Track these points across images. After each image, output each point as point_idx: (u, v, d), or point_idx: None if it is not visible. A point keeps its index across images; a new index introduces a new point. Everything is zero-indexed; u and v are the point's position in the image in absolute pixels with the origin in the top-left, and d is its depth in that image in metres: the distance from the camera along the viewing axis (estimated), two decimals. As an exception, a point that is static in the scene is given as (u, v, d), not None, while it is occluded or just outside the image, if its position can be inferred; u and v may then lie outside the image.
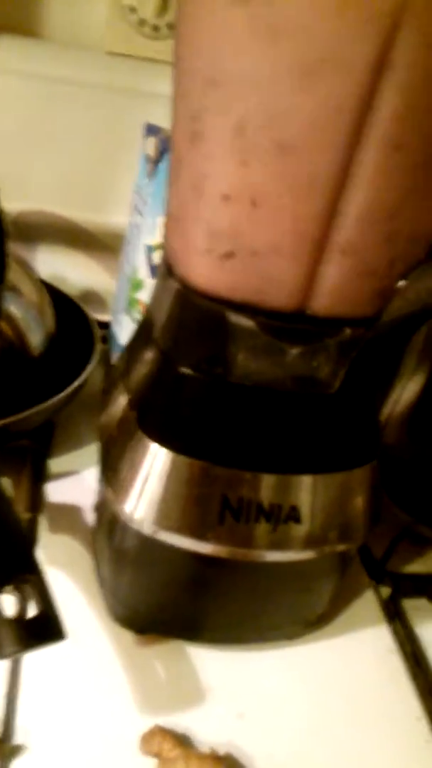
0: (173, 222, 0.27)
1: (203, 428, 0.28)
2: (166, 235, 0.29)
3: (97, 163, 0.54)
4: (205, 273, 0.26)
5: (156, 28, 0.50)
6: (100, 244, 0.57)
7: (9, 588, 0.26)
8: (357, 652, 0.37)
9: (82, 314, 0.51)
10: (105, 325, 0.52)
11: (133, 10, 0.49)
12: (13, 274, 0.45)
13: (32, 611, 0.25)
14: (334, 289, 0.26)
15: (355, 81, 0.21)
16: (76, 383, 0.43)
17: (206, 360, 0.27)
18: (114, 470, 0.30)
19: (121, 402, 0.31)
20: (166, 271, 0.29)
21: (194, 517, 0.28)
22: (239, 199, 0.23)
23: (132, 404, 0.30)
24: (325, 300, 0.26)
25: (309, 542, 0.30)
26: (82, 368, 0.45)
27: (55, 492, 0.43)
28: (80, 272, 0.58)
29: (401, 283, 0.26)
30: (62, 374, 0.45)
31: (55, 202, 0.54)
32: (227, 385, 0.27)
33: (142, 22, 0.50)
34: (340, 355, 0.27)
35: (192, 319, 0.27)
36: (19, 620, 0.24)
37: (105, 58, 0.51)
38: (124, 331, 0.48)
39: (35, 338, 0.45)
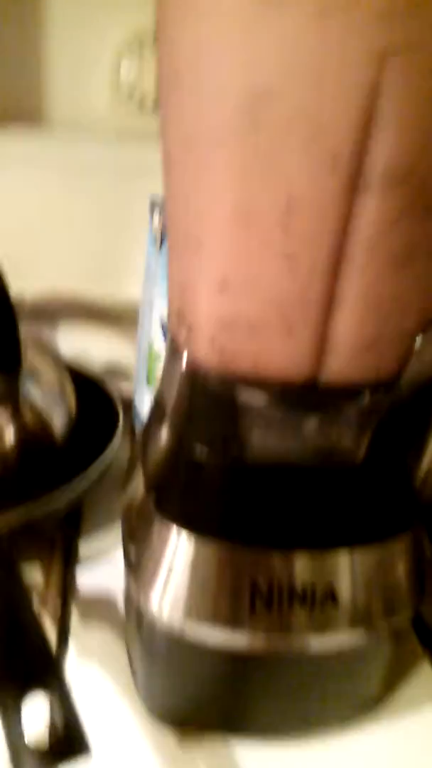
0: (173, 306, 0.27)
1: (224, 510, 0.27)
2: (169, 317, 0.28)
3: (110, 239, 0.55)
4: (209, 353, 0.25)
5: (157, 103, 0.51)
6: (120, 317, 0.57)
7: (29, 697, 0.24)
8: (418, 736, 0.34)
9: (103, 391, 0.51)
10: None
11: (133, 87, 0.51)
12: (32, 359, 0.45)
13: (55, 721, 0.24)
14: (345, 355, 0.24)
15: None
16: (99, 466, 0.42)
17: (220, 440, 0.26)
18: (136, 560, 0.29)
19: (139, 484, 0.30)
20: (171, 351, 0.28)
21: (224, 608, 0.27)
22: (236, 285, 0.23)
23: (149, 487, 0.29)
24: (337, 367, 0.24)
25: (351, 623, 0.28)
26: (107, 448, 0.45)
27: (87, 575, 0.41)
28: (103, 347, 0.58)
29: (418, 342, 0.25)
30: (87, 457, 0.44)
31: (72, 281, 0.55)
32: (245, 464, 0.26)
33: (143, 99, 0.52)
34: (361, 423, 0.26)
35: (202, 399, 0.26)
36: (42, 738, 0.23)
37: (110, 137, 0.52)
38: (146, 404, 0.48)
39: (58, 424, 0.45)
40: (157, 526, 0.28)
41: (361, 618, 0.27)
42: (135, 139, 0.55)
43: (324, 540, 0.27)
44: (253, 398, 0.25)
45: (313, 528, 0.27)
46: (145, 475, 0.30)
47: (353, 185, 0.21)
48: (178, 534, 0.27)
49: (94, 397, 0.50)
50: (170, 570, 0.27)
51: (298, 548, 0.27)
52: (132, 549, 0.30)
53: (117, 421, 0.48)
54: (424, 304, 0.24)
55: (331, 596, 0.27)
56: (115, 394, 0.50)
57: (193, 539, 0.27)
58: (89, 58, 0.55)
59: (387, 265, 0.22)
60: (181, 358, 0.27)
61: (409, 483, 0.30)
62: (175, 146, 0.24)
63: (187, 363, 0.26)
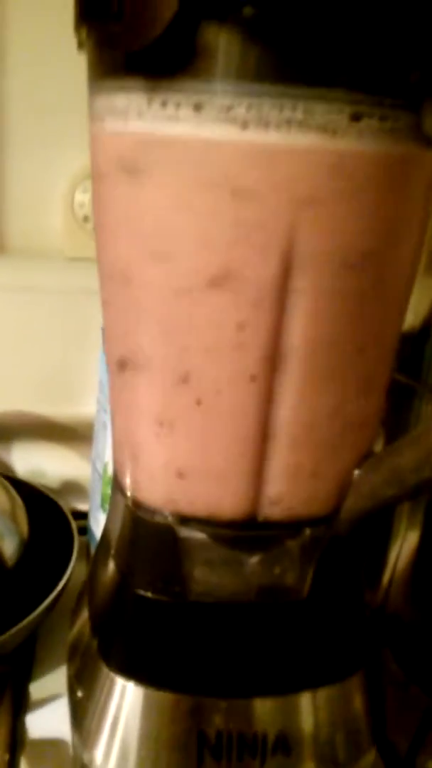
0: (115, 440, 0.27)
1: (169, 655, 0.26)
2: (113, 449, 0.28)
3: (66, 359, 0.56)
4: (149, 490, 0.25)
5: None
6: (77, 434, 0.57)
7: None
8: None
9: (59, 510, 0.50)
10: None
11: (86, 219, 0.53)
12: (-18, 483, 0.44)
13: None
14: (283, 492, 0.24)
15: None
16: (53, 594, 0.41)
17: (162, 579, 0.25)
18: (81, 710, 0.27)
19: (85, 623, 0.29)
20: (114, 487, 0.28)
21: (172, 763, 0.25)
22: (171, 425, 0.23)
23: (94, 627, 0.28)
24: (276, 504, 0.25)
25: (308, 770, 0.26)
26: (62, 572, 0.43)
27: (38, 723, 0.39)
28: (59, 464, 0.57)
29: (356, 474, 0.25)
30: (41, 581, 0.42)
31: (28, 400, 0.55)
32: (187, 604, 0.25)
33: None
34: (304, 557, 0.25)
35: (143, 536, 0.26)
36: None
37: (63, 263, 0.54)
38: (101, 527, 0.47)
39: (8, 548, 0.43)
40: (102, 674, 0.27)
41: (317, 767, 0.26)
42: (89, 264, 0.57)
43: (274, 684, 0.26)
44: (192, 536, 0.25)
45: (262, 671, 0.26)
46: (91, 613, 0.29)
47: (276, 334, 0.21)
48: (124, 685, 0.26)
49: (49, 517, 0.49)
50: (115, 723, 0.26)
51: (246, 695, 0.25)
52: (76, 697, 0.28)
53: (72, 543, 0.46)
54: (358, 443, 0.25)
55: (284, 745, 0.25)
56: (69, 515, 0.49)
57: (138, 690, 0.26)
58: (44, 189, 0.57)
59: (315, 412, 0.23)
60: (123, 495, 0.27)
61: (359, 618, 0.29)
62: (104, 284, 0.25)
63: (129, 500, 0.26)
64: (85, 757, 0.26)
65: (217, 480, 0.24)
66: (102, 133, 0.22)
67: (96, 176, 0.23)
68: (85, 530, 0.50)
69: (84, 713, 0.27)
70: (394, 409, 0.42)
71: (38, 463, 0.57)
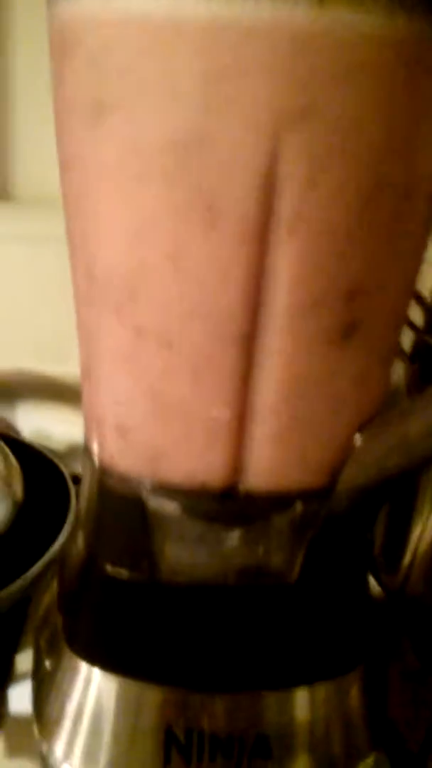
0: (84, 389, 0.24)
1: (137, 640, 0.23)
2: (83, 403, 0.25)
3: (73, 315, 0.52)
4: (115, 452, 0.22)
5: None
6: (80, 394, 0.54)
7: None
8: None
9: (59, 473, 0.47)
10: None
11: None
12: (-26, 443, 0.42)
13: None
14: (269, 458, 0.21)
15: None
16: (43, 559, 0.38)
17: (130, 555, 0.22)
18: (41, 697, 0.24)
19: (52, 601, 0.26)
20: (85, 453, 0.24)
21: (136, 760, 0.22)
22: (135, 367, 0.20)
23: (60, 606, 0.25)
24: (260, 472, 0.21)
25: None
26: (57, 535, 0.41)
27: (21, 697, 0.36)
28: (65, 426, 0.54)
29: (357, 439, 0.21)
30: (33, 546, 0.40)
31: (31, 359, 0.52)
32: (158, 584, 0.22)
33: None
34: (293, 536, 0.22)
35: (110, 506, 0.23)
36: None
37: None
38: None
39: (1, 512, 0.41)
40: (65, 657, 0.24)
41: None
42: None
43: (254, 679, 0.22)
44: (164, 507, 0.21)
45: (241, 663, 0.22)
46: (59, 588, 0.26)
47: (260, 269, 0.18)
48: (88, 670, 0.23)
49: (48, 480, 0.47)
50: (79, 713, 0.23)
51: (222, 689, 0.22)
52: (40, 673, 0.25)
53: (69, 505, 0.44)
54: (361, 402, 0.21)
55: (264, 749, 0.22)
56: (69, 479, 0.46)
57: (104, 677, 0.23)
58: (51, 135, 0.53)
59: (308, 351, 0.19)
60: (90, 458, 0.23)
61: (360, 608, 0.25)
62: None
63: (96, 464, 0.23)
64: (44, 748, 0.24)
65: (191, 441, 0.20)
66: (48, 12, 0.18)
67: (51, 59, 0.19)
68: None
69: (45, 697, 0.24)
70: (424, 375, 0.37)
71: (44, 424, 0.54)
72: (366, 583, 0.25)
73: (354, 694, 0.24)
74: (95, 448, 0.23)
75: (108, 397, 0.21)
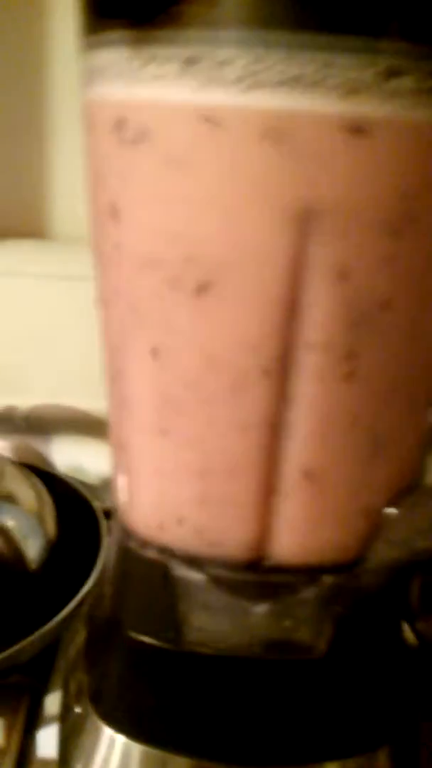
0: (114, 461, 0.24)
1: (160, 708, 0.22)
2: (113, 465, 0.25)
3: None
4: (141, 514, 0.22)
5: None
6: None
7: None
8: None
9: (91, 509, 0.47)
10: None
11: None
12: (10, 481, 0.42)
13: None
14: (297, 530, 0.20)
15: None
16: (73, 603, 0.38)
17: (154, 621, 0.22)
18: (66, 748, 0.24)
19: (82, 647, 0.26)
20: (113, 507, 0.24)
21: None
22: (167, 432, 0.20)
23: (86, 666, 0.25)
24: (288, 544, 0.21)
25: None
26: (88, 574, 0.41)
27: (50, 740, 0.36)
28: (99, 460, 0.55)
29: (388, 514, 0.21)
30: (65, 586, 0.40)
31: (68, 394, 0.53)
32: (182, 653, 0.22)
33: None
34: (321, 610, 0.21)
35: (135, 570, 0.23)
36: None
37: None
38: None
39: (33, 549, 0.41)
40: (91, 717, 0.24)
41: None
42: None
43: (281, 753, 0.22)
44: (189, 576, 0.21)
45: (267, 736, 0.22)
46: (86, 645, 0.26)
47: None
48: (112, 736, 0.23)
49: (81, 516, 0.47)
50: (98, 776, 0.23)
51: (247, 762, 0.22)
52: (65, 729, 0.25)
53: (100, 542, 0.44)
54: (392, 475, 0.20)
55: None
56: (101, 515, 0.46)
57: (128, 744, 0.22)
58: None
59: (334, 425, 0.19)
60: (116, 519, 0.23)
61: (393, 679, 0.24)
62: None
63: (122, 526, 0.23)
64: None
65: (219, 508, 0.20)
66: (88, 97, 0.18)
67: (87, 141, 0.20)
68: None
69: (71, 750, 0.24)
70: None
71: (78, 458, 0.55)
72: (400, 651, 0.24)
73: (382, 770, 0.23)
74: (122, 510, 0.23)
75: (138, 467, 0.21)
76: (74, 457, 0.54)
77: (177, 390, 0.19)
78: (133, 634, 0.22)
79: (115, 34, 0.16)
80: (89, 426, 0.53)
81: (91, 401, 0.53)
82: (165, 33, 0.16)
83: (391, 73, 0.15)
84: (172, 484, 0.20)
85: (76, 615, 0.39)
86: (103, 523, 0.46)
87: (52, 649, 0.42)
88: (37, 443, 0.54)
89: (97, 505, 0.48)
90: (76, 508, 0.47)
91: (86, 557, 0.43)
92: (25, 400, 0.52)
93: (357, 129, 0.14)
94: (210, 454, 0.19)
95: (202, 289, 0.17)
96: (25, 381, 0.52)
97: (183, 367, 0.18)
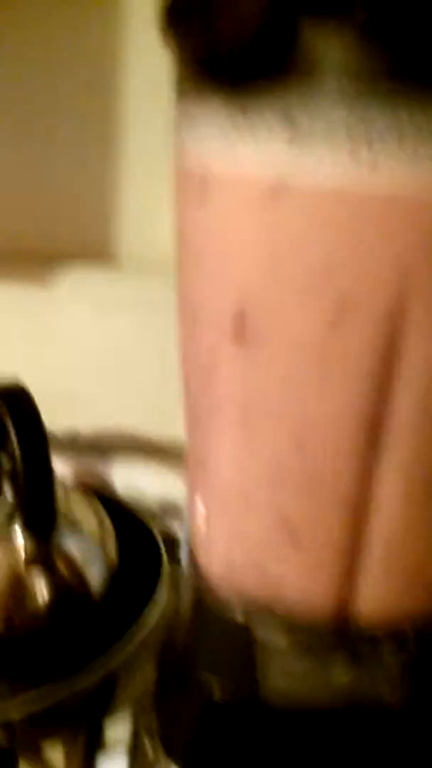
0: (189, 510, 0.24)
1: (233, 761, 0.22)
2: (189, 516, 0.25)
3: (169, 379, 0.53)
4: (226, 575, 0.21)
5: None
6: (176, 456, 0.54)
7: None
8: None
9: (151, 535, 0.47)
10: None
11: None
12: (73, 506, 0.43)
13: None
14: (383, 592, 0.20)
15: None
16: (137, 628, 0.38)
17: (231, 677, 0.22)
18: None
19: (145, 695, 0.26)
20: (189, 552, 0.24)
21: None
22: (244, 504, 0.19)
23: (156, 701, 0.25)
24: (372, 603, 0.20)
25: None
26: (148, 603, 0.41)
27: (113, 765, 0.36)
28: (158, 484, 0.55)
29: None
30: (126, 614, 0.40)
31: (131, 417, 0.53)
32: (261, 708, 0.21)
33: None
34: (405, 669, 0.21)
35: (212, 626, 0.22)
36: None
37: (171, 276, 0.52)
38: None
39: (96, 577, 0.41)
40: (162, 757, 0.24)
41: None
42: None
43: None
44: (271, 639, 0.21)
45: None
46: (156, 690, 0.26)
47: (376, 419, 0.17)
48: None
49: (141, 542, 0.47)
50: None
51: None
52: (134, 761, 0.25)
53: (161, 573, 0.44)
54: None
55: None
56: (160, 539, 0.46)
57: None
58: (158, 196, 0.55)
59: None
60: (193, 567, 0.23)
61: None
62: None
63: (198, 576, 0.23)
64: None
65: (304, 568, 0.20)
66: (181, 156, 0.19)
67: (177, 203, 0.20)
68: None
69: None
70: None
71: (138, 482, 0.55)
72: None
73: None
74: (202, 559, 0.23)
75: (222, 525, 0.21)
76: (134, 481, 0.54)
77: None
78: (208, 685, 0.22)
79: (215, 94, 0.16)
80: (150, 449, 0.53)
81: (152, 426, 0.53)
82: (264, 98, 0.15)
83: None
84: (256, 537, 0.20)
85: (137, 645, 0.39)
86: (164, 551, 0.46)
87: (109, 683, 0.42)
88: (98, 466, 0.54)
89: (156, 532, 0.48)
90: (136, 534, 0.47)
91: (147, 584, 0.43)
92: (87, 423, 0.52)
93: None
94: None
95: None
96: (89, 405, 0.53)
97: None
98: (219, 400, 0.19)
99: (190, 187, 0.18)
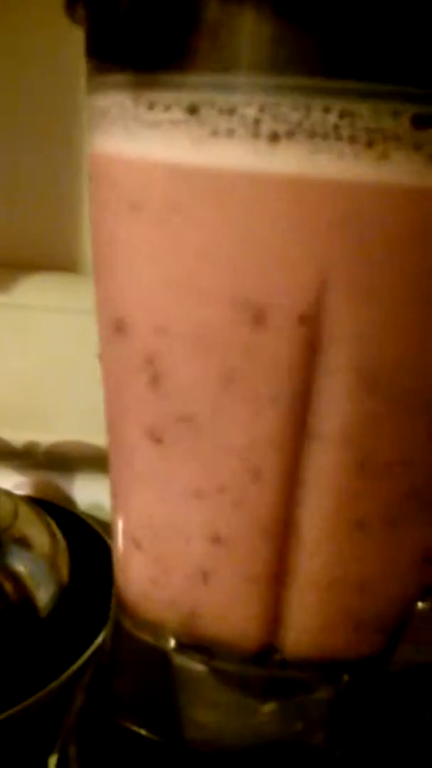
0: (114, 518, 0.22)
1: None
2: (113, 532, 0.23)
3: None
4: (136, 593, 0.20)
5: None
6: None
7: None
8: None
9: (108, 551, 0.46)
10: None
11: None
12: (22, 522, 0.41)
13: None
14: (312, 622, 0.18)
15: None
16: (81, 659, 0.36)
17: (150, 711, 0.20)
18: None
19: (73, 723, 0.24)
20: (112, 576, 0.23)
21: None
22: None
23: (77, 740, 0.23)
24: (301, 634, 0.18)
25: None
26: (101, 626, 0.39)
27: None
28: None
29: (420, 608, 0.18)
30: (77, 633, 0.38)
31: (89, 431, 0.52)
32: (182, 748, 0.20)
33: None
34: (339, 711, 0.19)
35: (131, 652, 0.20)
36: None
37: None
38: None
39: (44, 595, 0.39)
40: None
41: None
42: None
43: None
44: (191, 666, 0.19)
45: None
46: (78, 720, 0.24)
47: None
48: None
49: (98, 558, 0.45)
50: None
51: None
52: None
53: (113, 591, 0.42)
54: (423, 569, 0.18)
55: None
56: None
57: None
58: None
59: (357, 509, 0.16)
60: (117, 593, 0.21)
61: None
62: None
63: (118, 601, 0.21)
64: None
65: (225, 593, 0.18)
66: (90, 145, 0.17)
67: (92, 200, 0.19)
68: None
69: None
70: None
71: (100, 496, 0.53)
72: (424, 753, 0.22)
73: None
74: (120, 583, 0.21)
75: (136, 550, 0.19)
76: (96, 495, 0.53)
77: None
78: (126, 722, 0.20)
79: (117, 78, 0.15)
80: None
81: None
82: (168, 77, 0.14)
83: (419, 121, 0.13)
84: (174, 561, 0.18)
85: (81, 665, 0.37)
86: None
87: (57, 704, 0.40)
88: (58, 481, 0.52)
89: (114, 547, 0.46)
90: (92, 548, 0.45)
91: (99, 602, 0.41)
92: (46, 436, 0.50)
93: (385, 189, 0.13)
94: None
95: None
96: (47, 417, 0.51)
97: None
98: (127, 416, 0.18)
99: (101, 186, 0.17)
